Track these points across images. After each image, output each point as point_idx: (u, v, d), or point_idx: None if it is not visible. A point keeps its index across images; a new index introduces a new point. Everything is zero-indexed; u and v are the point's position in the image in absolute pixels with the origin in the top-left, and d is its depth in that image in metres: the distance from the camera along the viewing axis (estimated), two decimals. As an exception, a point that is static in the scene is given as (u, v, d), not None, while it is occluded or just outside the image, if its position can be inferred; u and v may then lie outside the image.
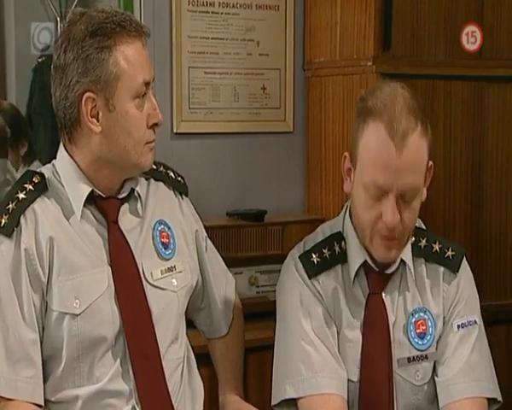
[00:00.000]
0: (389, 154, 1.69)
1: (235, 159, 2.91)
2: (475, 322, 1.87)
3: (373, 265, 1.83)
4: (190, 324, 2.02)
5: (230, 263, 2.12)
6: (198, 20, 2.81)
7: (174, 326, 1.83)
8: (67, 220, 1.75)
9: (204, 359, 2.05)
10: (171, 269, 1.84)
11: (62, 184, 1.78)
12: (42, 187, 1.77)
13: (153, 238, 1.83)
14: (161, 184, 1.92)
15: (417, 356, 1.83)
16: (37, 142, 3.26)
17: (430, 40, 2.73)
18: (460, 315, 1.86)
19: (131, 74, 1.71)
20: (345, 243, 1.87)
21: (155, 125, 1.76)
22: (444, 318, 1.87)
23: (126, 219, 1.81)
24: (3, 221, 1.71)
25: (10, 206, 1.73)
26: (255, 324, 2.45)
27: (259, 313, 2.56)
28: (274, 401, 1.84)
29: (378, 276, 1.84)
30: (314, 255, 1.87)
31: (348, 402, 1.82)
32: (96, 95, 1.69)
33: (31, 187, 1.76)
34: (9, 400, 1.67)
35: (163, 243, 1.84)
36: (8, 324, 1.68)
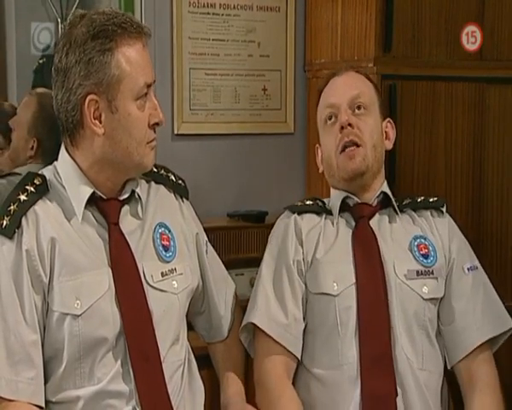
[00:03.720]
0: (335, 82, 2.12)
1: (236, 160, 2.91)
2: (477, 267, 2.09)
3: (355, 198, 2.07)
4: (191, 326, 2.02)
5: (231, 264, 2.12)
6: (199, 22, 2.81)
7: (175, 328, 1.84)
8: (69, 222, 1.76)
9: (204, 360, 2.04)
10: (171, 271, 1.84)
11: (63, 186, 1.78)
12: (43, 189, 1.77)
13: (153, 241, 1.83)
14: (162, 187, 1.92)
15: (424, 271, 2.01)
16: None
17: (431, 41, 2.73)
18: (466, 260, 2.07)
19: (133, 76, 1.71)
20: (326, 204, 2.12)
21: (156, 124, 1.77)
22: (444, 250, 2.06)
23: (127, 221, 1.81)
24: (5, 223, 1.72)
25: (12, 207, 1.74)
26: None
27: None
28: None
29: (363, 205, 2.07)
30: (298, 203, 2.16)
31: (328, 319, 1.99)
32: (98, 97, 1.70)
33: (32, 189, 1.76)
34: (10, 401, 1.67)
35: (164, 246, 1.84)
36: (10, 324, 1.69)
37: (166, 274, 1.83)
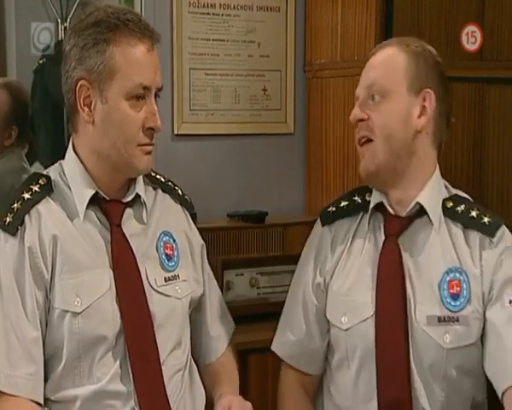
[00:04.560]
0: (367, 64, 1.91)
1: (236, 160, 2.91)
2: None
3: (389, 207, 1.87)
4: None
5: (231, 265, 2.11)
6: (199, 22, 2.81)
7: (177, 332, 1.83)
8: (71, 221, 1.77)
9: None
10: (174, 278, 1.84)
11: (68, 186, 1.80)
12: (47, 189, 1.79)
13: (157, 249, 1.84)
14: (168, 196, 1.93)
15: (448, 317, 1.79)
16: (38, 143, 3.25)
17: (431, 41, 2.69)
18: (510, 292, 1.80)
19: (127, 73, 1.71)
20: (370, 194, 1.92)
21: (152, 129, 1.76)
22: (483, 285, 1.81)
23: (130, 225, 1.82)
24: (8, 220, 1.74)
25: (15, 205, 1.75)
26: (256, 325, 2.45)
27: (260, 314, 2.57)
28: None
29: (394, 219, 1.87)
30: (331, 207, 1.99)
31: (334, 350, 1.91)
32: (90, 84, 1.72)
33: (36, 188, 1.78)
34: (10, 396, 1.68)
35: (167, 255, 1.85)
36: (11, 321, 1.69)
37: (170, 279, 1.83)
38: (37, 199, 1.76)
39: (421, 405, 1.80)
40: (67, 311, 1.71)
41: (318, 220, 1.99)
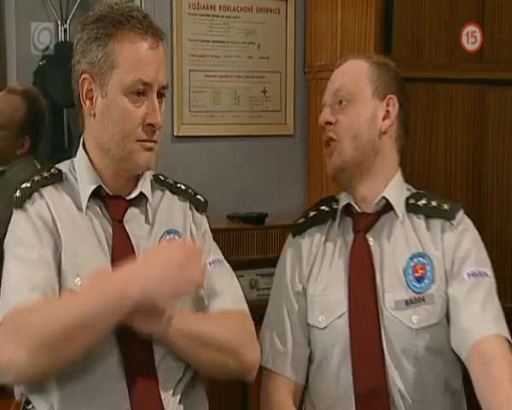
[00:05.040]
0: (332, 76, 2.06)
1: (236, 162, 2.92)
2: (486, 274, 1.92)
3: (355, 206, 2.00)
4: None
5: (231, 266, 2.10)
6: (199, 24, 2.81)
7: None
8: (76, 212, 1.80)
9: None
10: None
11: (76, 179, 1.83)
12: (58, 178, 1.84)
13: None
14: (177, 197, 1.93)
15: (415, 298, 1.90)
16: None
17: (431, 43, 2.73)
18: (470, 264, 1.92)
19: (126, 68, 1.74)
20: (337, 203, 2.05)
21: (151, 125, 1.78)
22: (445, 264, 1.92)
23: (134, 223, 1.84)
24: (18, 194, 1.79)
25: (25, 185, 1.81)
26: (256, 327, 2.45)
27: (260, 316, 2.56)
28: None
29: (362, 216, 2.00)
30: (301, 219, 2.10)
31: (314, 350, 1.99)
32: (92, 78, 1.76)
33: (47, 174, 1.83)
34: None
35: None
36: (28, 264, 1.70)
37: None
38: (46, 182, 1.81)
39: (397, 387, 1.88)
40: (66, 287, 1.72)
41: (290, 233, 2.10)
